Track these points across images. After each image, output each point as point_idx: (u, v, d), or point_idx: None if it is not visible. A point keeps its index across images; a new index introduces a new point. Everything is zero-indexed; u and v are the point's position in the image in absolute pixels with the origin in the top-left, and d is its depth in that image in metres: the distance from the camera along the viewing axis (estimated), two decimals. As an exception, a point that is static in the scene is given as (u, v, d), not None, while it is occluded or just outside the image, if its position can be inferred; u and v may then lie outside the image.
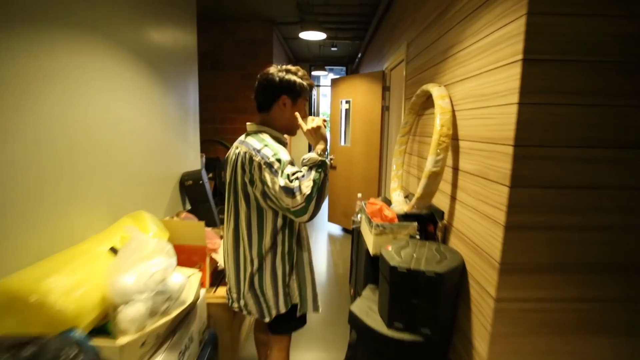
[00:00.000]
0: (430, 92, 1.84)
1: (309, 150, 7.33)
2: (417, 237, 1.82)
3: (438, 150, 1.62)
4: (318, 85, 8.10)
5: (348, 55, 6.57)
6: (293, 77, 1.27)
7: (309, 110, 7.29)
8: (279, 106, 1.28)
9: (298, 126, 1.29)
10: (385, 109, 3.78)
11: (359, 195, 2.62)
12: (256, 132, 1.28)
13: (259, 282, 1.26)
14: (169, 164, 2.46)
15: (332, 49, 5.95)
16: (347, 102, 4.27)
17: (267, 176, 1.13)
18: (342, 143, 4.42)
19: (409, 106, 2.28)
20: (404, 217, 1.89)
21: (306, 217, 1.14)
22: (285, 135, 1.37)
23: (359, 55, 5.89)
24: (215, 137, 4.85)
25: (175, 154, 2.57)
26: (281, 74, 1.26)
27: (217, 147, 4.87)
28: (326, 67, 6.97)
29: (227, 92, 4.77)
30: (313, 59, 6.81)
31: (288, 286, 1.28)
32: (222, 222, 2.68)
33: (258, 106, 1.33)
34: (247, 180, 1.18)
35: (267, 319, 1.31)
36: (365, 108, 3.95)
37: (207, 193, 2.62)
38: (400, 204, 2.01)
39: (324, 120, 1.29)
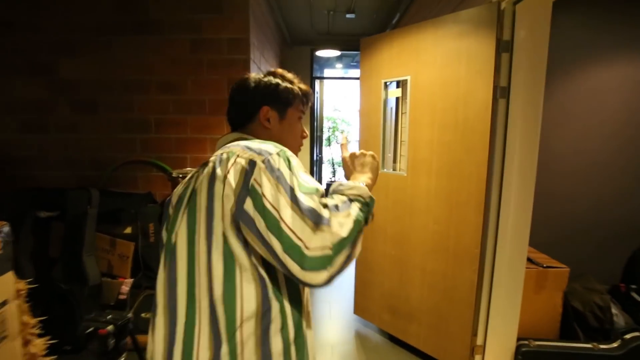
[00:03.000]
0: None
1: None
2: None
3: None
4: (322, 78, 5.96)
5: (366, 33, 4.46)
6: (276, 80, 0.85)
7: (311, 121, 5.10)
8: (261, 123, 0.84)
9: (298, 146, 0.91)
10: (499, 93, 1.64)
11: None
12: (235, 141, 0.77)
13: None
14: None
15: (348, 15, 3.85)
16: (396, 84, 2.13)
17: (267, 183, 0.63)
18: (387, 168, 2.26)
19: None
20: None
21: (324, 275, 0.59)
22: None
23: (396, 18, 3.75)
24: (146, 155, 2.69)
25: None
26: (258, 77, 0.87)
27: (150, 172, 2.71)
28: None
29: (166, 74, 2.62)
30: (316, 38, 4.69)
31: None
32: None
33: (231, 124, 0.88)
34: (217, 191, 0.65)
35: None
36: (446, 94, 1.80)
37: None
38: None
39: (345, 137, 0.94)
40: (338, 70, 6.34)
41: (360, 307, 2.42)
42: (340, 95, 8.20)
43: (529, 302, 1.94)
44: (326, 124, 6.70)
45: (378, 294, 2.26)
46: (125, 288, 2.22)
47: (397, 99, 2.40)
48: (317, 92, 5.50)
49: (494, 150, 1.69)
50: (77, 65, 2.59)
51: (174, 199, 0.76)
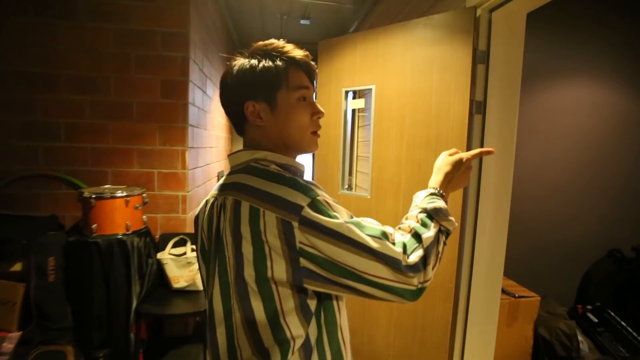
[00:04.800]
0: None
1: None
2: None
3: None
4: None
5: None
6: (251, 62, 0.68)
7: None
8: (252, 121, 0.69)
9: (312, 134, 0.71)
10: (475, 108, 1.46)
11: None
12: (248, 164, 0.68)
13: None
14: None
15: (302, 21, 3.62)
16: (356, 93, 1.90)
17: (317, 241, 0.57)
18: (347, 188, 2.00)
19: None
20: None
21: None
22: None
23: (353, 27, 3.59)
24: (52, 168, 2.17)
25: None
26: (236, 65, 0.70)
27: (58, 189, 2.19)
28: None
29: (82, 69, 2.15)
30: (268, 45, 4.39)
31: None
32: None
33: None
34: (246, 253, 0.60)
35: None
36: (416, 107, 1.60)
37: None
38: None
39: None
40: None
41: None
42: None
43: (501, 335, 1.78)
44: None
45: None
46: (7, 346, 1.68)
47: (354, 109, 2.17)
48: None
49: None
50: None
51: (205, 226, 0.69)
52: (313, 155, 2.33)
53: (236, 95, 0.69)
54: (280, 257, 0.57)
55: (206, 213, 0.70)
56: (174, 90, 2.23)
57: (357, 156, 2.35)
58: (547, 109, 2.46)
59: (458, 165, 0.74)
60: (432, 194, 0.70)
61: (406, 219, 0.67)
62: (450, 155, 0.76)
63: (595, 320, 2.37)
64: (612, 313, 2.37)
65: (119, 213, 1.85)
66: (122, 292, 1.79)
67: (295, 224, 0.56)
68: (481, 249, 1.54)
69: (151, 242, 2.04)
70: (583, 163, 2.52)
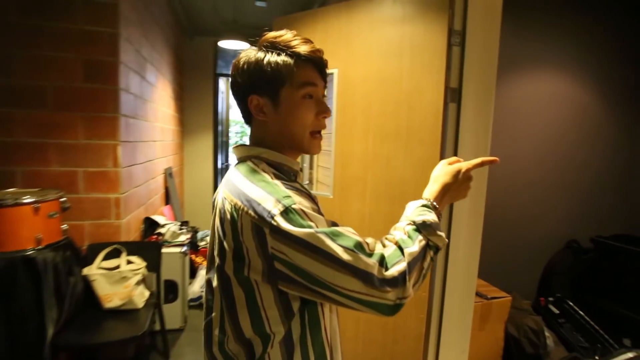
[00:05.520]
0: None
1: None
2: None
3: None
4: (228, 75, 5.27)
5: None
6: (261, 55, 0.67)
7: (215, 124, 4.33)
8: (255, 115, 0.70)
9: (311, 135, 0.70)
10: (450, 95, 1.30)
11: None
12: (245, 160, 0.70)
13: None
14: None
15: (258, 3, 3.31)
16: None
17: (288, 250, 0.57)
18: (307, 184, 1.77)
19: None
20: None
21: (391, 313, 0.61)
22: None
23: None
24: None
25: None
26: (244, 56, 0.69)
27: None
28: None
29: (-23, 44, 1.72)
30: (220, 28, 4.01)
31: None
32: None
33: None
34: (227, 249, 0.63)
35: None
36: (384, 94, 1.42)
37: None
38: None
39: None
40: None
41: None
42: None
43: (473, 339, 1.67)
44: (233, 129, 6.01)
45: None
46: None
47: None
48: (222, 92, 4.80)
49: (444, 167, 1.35)
50: None
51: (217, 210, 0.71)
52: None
53: (242, 88, 0.68)
54: (257, 257, 0.58)
55: (216, 198, 0.74)
56: (101, 73, 1.87)
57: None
58: (508, 102, 2.40)
59: (457, 175, 0.70)
60: (424, 206, 0.66)
61: (394, 229, 0.65)
62: (450, 164, 0.72)
63: (557, 311, 2.38)
64: (570, 303, 2.40)
65: (26, 224, 1.49)
66: (30, 321, 1.44)
67: (267, 231, 0.57)
68: (455, 253, 1.41)
69: (73, 255, 1.70)
70: (545, 156, 2.51)
